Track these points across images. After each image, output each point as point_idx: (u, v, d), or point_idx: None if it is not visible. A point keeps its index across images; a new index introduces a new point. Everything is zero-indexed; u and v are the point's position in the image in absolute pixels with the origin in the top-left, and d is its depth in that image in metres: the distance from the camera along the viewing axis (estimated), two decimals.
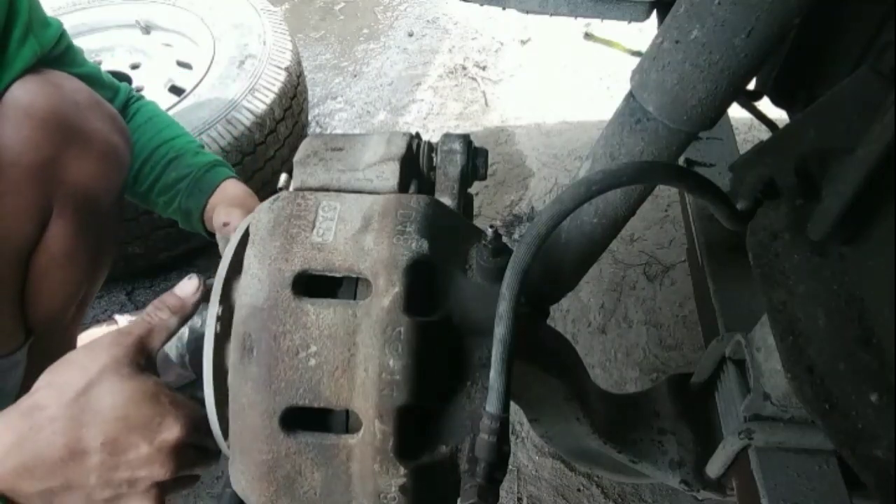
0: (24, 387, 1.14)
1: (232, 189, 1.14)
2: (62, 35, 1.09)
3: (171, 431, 0.66)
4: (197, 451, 0.70)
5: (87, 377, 0.65)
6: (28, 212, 0.97)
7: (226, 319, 0.68)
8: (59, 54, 1.09)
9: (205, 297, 0.73)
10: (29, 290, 1.04)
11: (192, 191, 1.15)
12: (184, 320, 0.72)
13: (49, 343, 1.18)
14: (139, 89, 1.94)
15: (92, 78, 1.14)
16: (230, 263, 0.70)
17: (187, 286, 0.73)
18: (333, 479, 0.64)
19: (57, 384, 0.66)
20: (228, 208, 1.05)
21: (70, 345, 1.33)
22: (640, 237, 1.95)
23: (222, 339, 0.67)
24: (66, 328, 1.23)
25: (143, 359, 0.69)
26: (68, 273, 1.07)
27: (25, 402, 0.66)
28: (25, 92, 0.95)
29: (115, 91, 1.20)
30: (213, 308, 0.68)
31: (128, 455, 0.65)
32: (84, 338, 1.46)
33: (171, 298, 0.72)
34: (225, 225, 1.02)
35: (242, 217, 0.97)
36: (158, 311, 0.71)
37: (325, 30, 2.79)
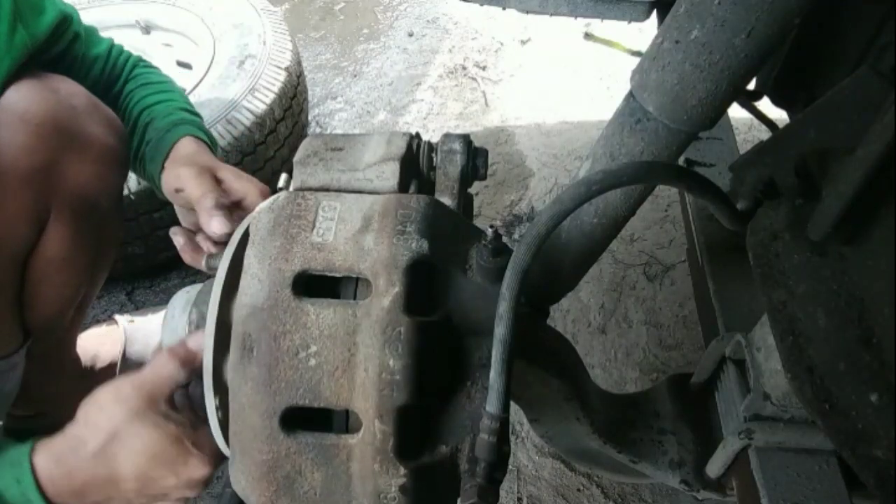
0: (24, 388, 1.14)
1: (185, 147, 1.02)
2: (64, 20, 1.03)
3: (197, 470, 0.72)
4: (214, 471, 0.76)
5: (114, 424, 0.72)
6: (24, 216, 0.96)
7: (225, 322, 0.68)
8: (65, 48, 1.06)
9: None
10: (27, 293, 1.03)
11: (153, 154, 1.04)
12: (193, 372, 0.74)
13: (48, 344, 1.18)
14: None
15: (102, 58, 1.11)
16: (229, 266, 0.70)
17: (198, 339, 0.73)
18: (333, 479, 0.63)
19: (92, 424, 0.73)
20: (177, 170, 0.96)
21: (69, 346, 1.33)
22: (640, 237, 1.95)
23: (222, 339, 0.67)
24: (65, 330, 1.22)
25: (160, 405, 0.73)
26: (67, 276, 1.06)
27: (72, 433, 0.74)
28: (21, 97, 0.94)
29: (121, 64, 1.16)
30: (213, 310, 0.68)
31: (158, 483, 0.73)
32: (84, 338, 1.46)
33: (181, 350, 0.74)
34: (177, 192, 0.94)
35: (192, 178, 0.91)
36: (168, 364, 0.74)
37: (325, 30, 2.79)
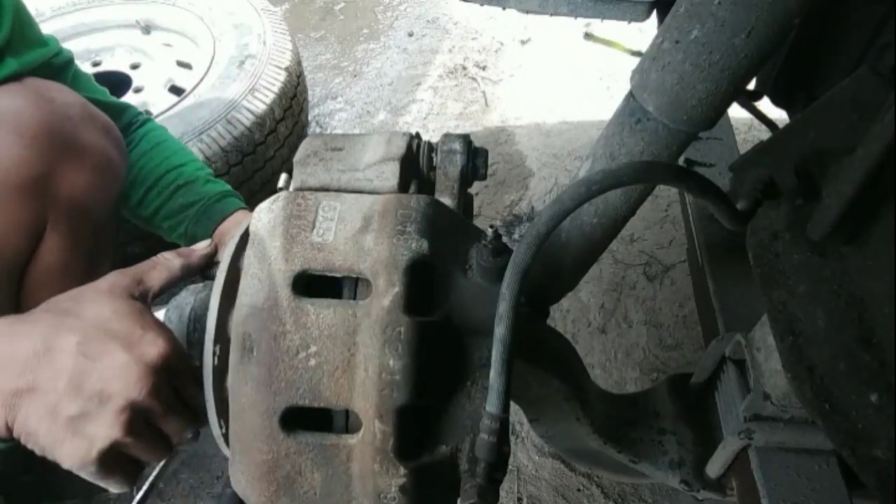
0: None
1: (244, 219, 1.08)
2: (57, 56, 1.06)
3: (153, 346, 0.63)
4: (181, 405, 0.67)
5: (79, 293, 0.66)
6: (19, 227, 0.96)
7: (225, 322, 0.68)
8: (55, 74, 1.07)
9: (212, 259, 0.77)
10: (25, 302, 1.03)
11: (201, 218, 1.15)
12: (187, 269, 0.73)
13: None
14: (139, 90, 1.94)
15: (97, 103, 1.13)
16: (229, 266, 0.70)
17: (201, 243, 0.76)
18: (333, 479, 0.63)
19: (50, 301, 0.66)
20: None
21: None
22: (640, 237, 1.95)
23: (222, 336, 0.67)
24: None
25: (138, 291, 0.69)
26: (64, 285, 1.05)
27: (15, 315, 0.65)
28: (16, 108, 0.93)
29: (121, 112, 1.20)
30: (213, 310, 0.68)
31: (102, 361, 0.61)
32: None
33: (182, 249, 0.75)
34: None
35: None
36: (165, 253, 0.74)
37: (325, 30, 2.79)
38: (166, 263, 0.74)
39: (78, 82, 1.13)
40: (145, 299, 0.70)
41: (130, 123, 1.22)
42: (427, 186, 0.81)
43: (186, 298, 0.79)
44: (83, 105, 1.02)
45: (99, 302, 0.65)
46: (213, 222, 1.14)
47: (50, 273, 1.02)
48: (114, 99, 1.21)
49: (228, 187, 1.21)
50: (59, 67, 1.10)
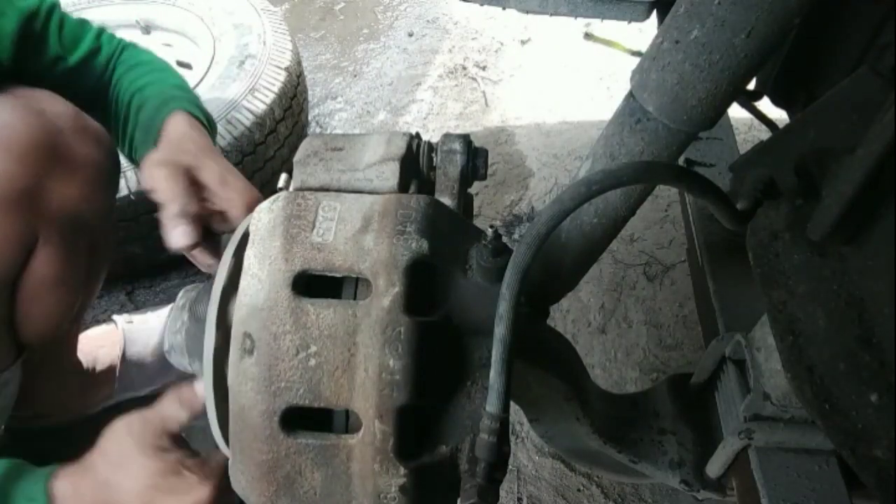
0: (26, 392, 1.14)
1: (175, 129, 0.93)
2: (31, 18, 0.99)
3: (199, 492, 0.75)
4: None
5: (122, 454, 0.76)
6: (10, 241, 0.94)
7: (225, 322, 0.68)
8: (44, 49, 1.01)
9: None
10: (19, 312, 1.01)
11: (144, 138, 0.97)
12: (194, 415, 0.77)
13: (45, 355, 1.18)
14: None
15: (91, 50, 1.06)
16: (229, 266, 0.70)
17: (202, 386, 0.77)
18: (333, 479, 0.63)
19: (104, 452, 0.78)
20: (151, 169, 0.87)
21: (69, 352, 1.33)
22: (640, 237, 1.95)
23: (222, 339, 0.67)
24: (62, 339, 1.22)
25: (163, 439, 0.77)
26: (59, 295, 1.04)
27: (88, 460, 0.78)
28: (3, 122, 0.91)
29: (100, 47, 1.09)
30: (213, 311, 0.68)
31: None
32: (83, 339, 1.46)
33: (187, 394, 0.77)
34: (150, 192, 0.86)
35: (164, 179, 0.84)
36: (173, 405, 0.77)
37: (325, 30, 2.79)
38: (175, 418, 0.77)
39: (65, 27, 1.06)
40: (176, 443, 0.78)
41: (109, 59, 1.10)
42: (427, 186, 0.81)
43: (185, 300, 0.79)
44: (74, 115, 1.00)
45: (136, 467, 0.75)
46: (151, 140, 0.95)
47: (44, 284, 1.00)
48: (88, 40, 1.08)
49: (178, 89, 1.03)
50: (46, 14, 1.03)
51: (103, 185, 1.05)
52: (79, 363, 1.37)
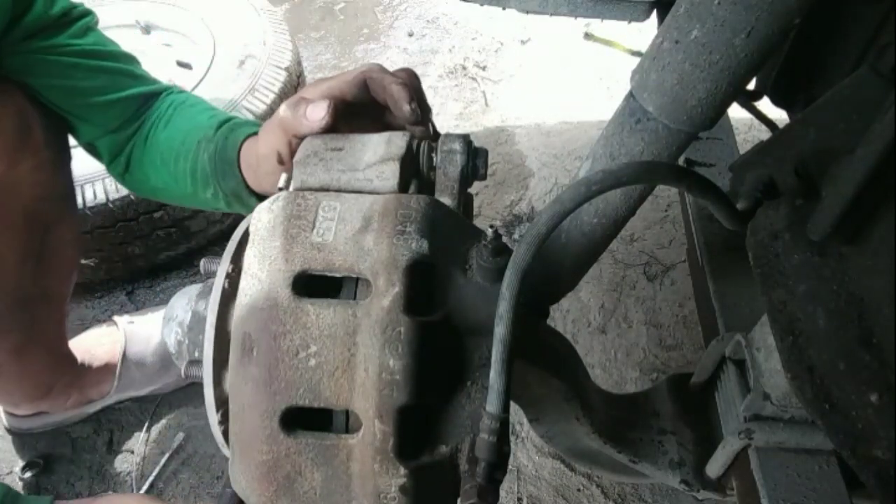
0: (20, 385, 1.16)
1: (252, 148, 0.95)
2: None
3: None
4: None
5: None
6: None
7: (225, 323, 0.68)
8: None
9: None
10: None
11: (224, 172, 0.99)
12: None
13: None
14: None
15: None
16: (228, 271, 0.70)
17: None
18: (333, 479, 0.64)
19: None
20: (272, 174, 0.88)
21: (56, 340, 1.33)
22: (640, 237, 1.95)
23: (222, 337, 0.67)
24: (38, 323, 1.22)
25: None
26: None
27: None
28: None
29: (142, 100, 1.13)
30: (213, 311, 0.68)
31: None
32: (82, 338, 1.46)
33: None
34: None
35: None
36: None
37: (325, 30, 2.79)
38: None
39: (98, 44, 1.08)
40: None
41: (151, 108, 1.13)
42: (427, 186, 0.81)
43: (185, 300, 0.79)
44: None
45: None
46: (233, 168, 0.97)
47: None
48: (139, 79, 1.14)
49: (222, 119, 1.04)
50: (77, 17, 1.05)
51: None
52: (73, 357, 1.37)
